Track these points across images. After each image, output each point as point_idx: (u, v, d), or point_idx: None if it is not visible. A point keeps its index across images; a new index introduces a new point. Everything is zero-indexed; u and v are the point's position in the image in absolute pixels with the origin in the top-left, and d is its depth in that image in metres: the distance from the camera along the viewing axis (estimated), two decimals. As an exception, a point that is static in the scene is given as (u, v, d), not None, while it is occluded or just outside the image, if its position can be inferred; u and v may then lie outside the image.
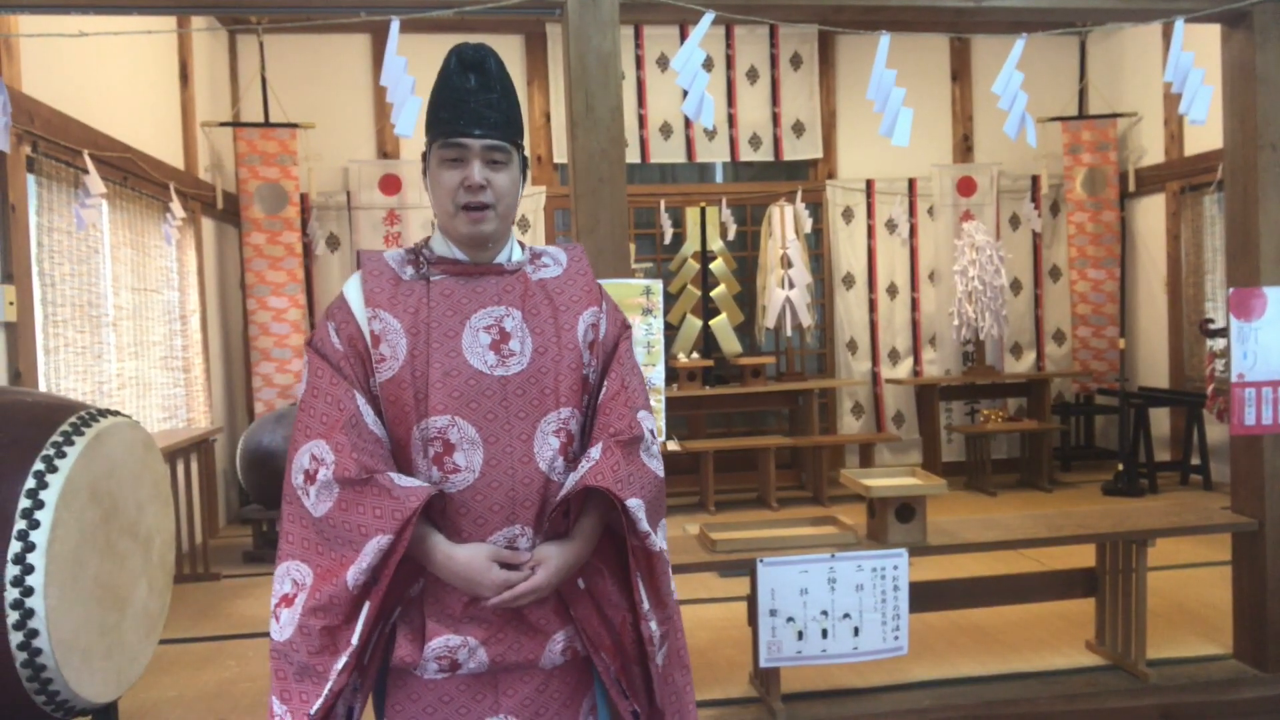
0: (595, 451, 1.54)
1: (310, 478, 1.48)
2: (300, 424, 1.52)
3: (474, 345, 1.54)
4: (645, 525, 1.53)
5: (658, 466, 1.61)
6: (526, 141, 7.23)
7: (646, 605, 1.56)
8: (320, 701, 1.43)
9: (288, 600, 1.47)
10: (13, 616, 2.14)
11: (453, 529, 1.50)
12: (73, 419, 2.39)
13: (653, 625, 1.56)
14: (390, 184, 6.65)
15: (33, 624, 2.16)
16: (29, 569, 2.16)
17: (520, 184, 1.62)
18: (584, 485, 1.49)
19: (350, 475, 1.45)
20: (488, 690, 1.51)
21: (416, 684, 1.51)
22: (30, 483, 2.22)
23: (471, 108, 1.52)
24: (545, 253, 1.69)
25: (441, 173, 1.55)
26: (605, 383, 1.62)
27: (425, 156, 1.59)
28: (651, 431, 1.63)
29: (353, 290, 1.60)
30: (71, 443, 2.32)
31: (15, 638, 2.15)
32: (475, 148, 1.53)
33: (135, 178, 4.76)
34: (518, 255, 1.64)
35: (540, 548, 1.52)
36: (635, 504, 1.51)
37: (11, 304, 3.55)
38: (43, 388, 3.76)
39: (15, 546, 2.16)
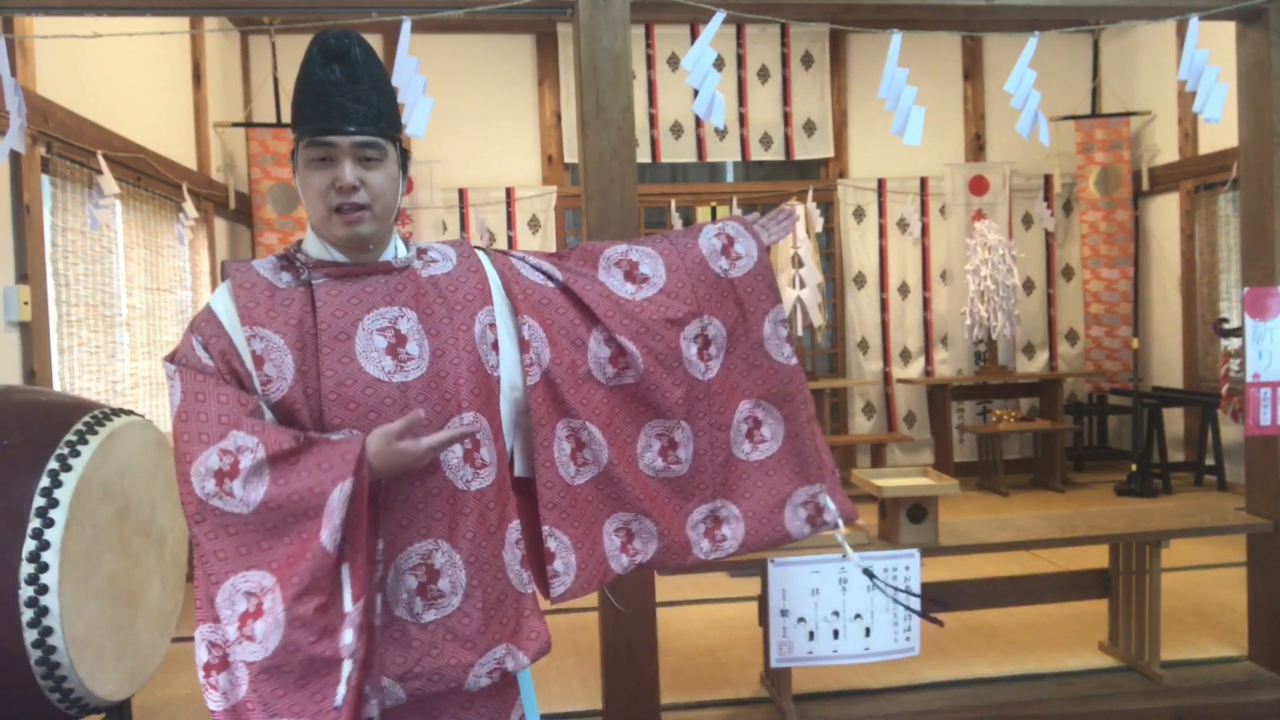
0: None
1: (229, 474, 1.33)
2: (189, 434, 1.35)
3: (369, 350, 1.42)
4: None
5: None
6: (532, 141, 7.25)
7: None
8: (343, 688, 1.29)
9: (253, 614, 1.31)
10: (27, 614, 2.16)
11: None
12: (86, 418, 2.40)
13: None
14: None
15: (47, 621, 2.17)
16: (43, 567, 2.17)
17: (400, 181, 1.49)
18: None
19: (285, 446, 1.34)
20: (414, 718, 1.44)
21: None
22: (45, 481, 2.23)
23: (337, 102, 1.40)
24: (432, 249, 1.60)
25: (310, 174, 1.43)
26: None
27: (293, 155, 1.46)
28: None
29: (222, 304, 1.45)
30: (85, 441, 2.33)
31: (30, 635, 2.16)
32: (344, 145, 1.41)
33: (148, 178, 4.78)
34: (404, 252, 1.54)
35: None
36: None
37: (26, 304, 3.57)
38: (57, 387, 3.78)
39: (30, 544, 2.17)
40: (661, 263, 1.73)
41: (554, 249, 6.69)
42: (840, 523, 1.78)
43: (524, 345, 1.58)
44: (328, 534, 1.31)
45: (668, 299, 1.70)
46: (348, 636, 1.31)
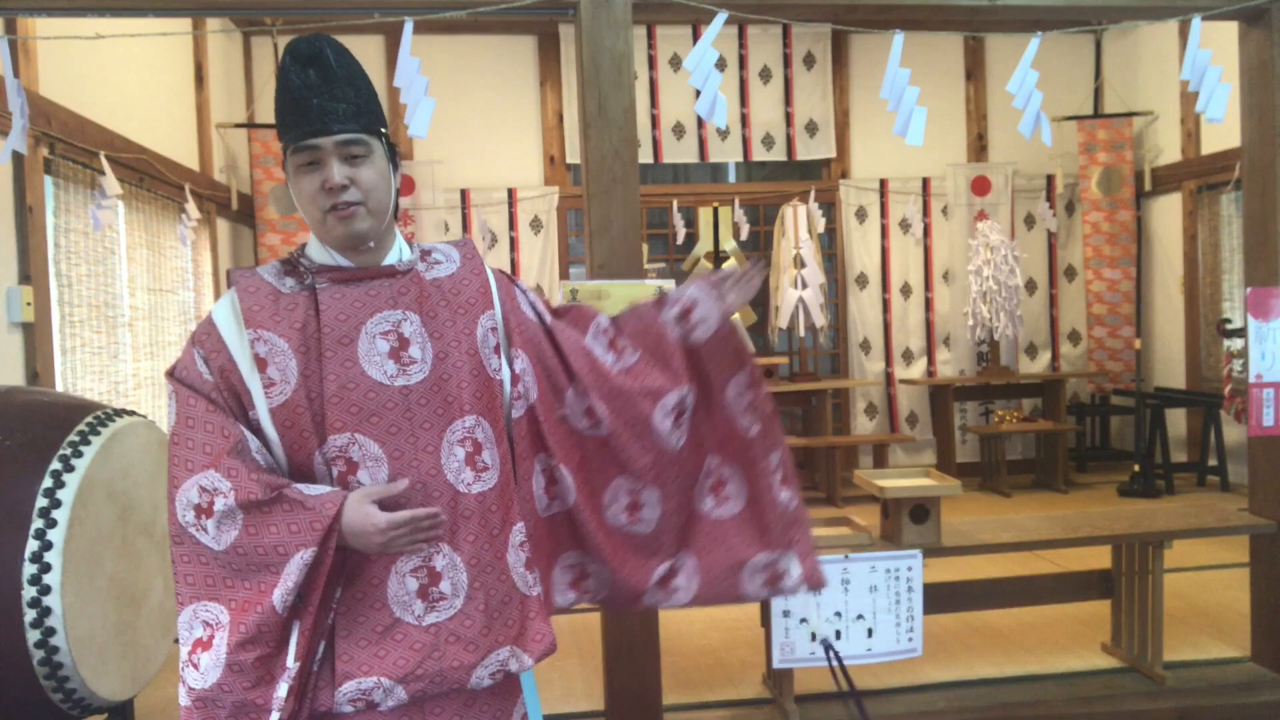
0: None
1: (205, 511, 1.37)
2: (178, 458, 1.40)
3: (371, 354, 1.43)
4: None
5: None
6: (534, 141, 7.25)
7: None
8: None
9: (204, 644, 1.37)
10: (30, 615, 2.16)
11: (360, 552, 1.41)
12: (89, 419, 2.40)
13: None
14: (403, 184, 6.65)
15: (50, 622, 2.17)
16: (46, 567, 2.17)
17: (391, 175, 1.49)
18: None
19: (255, 497, 1.36)
20: (414, 717, 1.45)
21: None
22: (47, 482, 2.24)
23: (316, 104, 1.40)
24: (435, 249, 1.59)
25: (300, 180, 1.43)
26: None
27: (285, 165, 1.47)
28: None
29: (224, 313, 1.46)
30: (88, 442, 2.33)
31: (33, 636, 2.17)
32: (328, 146, 1.40)
33: (151, 179, 4.79)
34: (408, 254, 1.53)
35: None
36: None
37: (29, 305, 3.58)
38: (59, 388, 3.79)
39: (33, 545, 2.18)
40: (630, 342, 1.71)
41: (556, 250, 6.76)
42: (803, 589, 1.74)
43: (514, 378, 1.58)
44: (279, 594, 1.35)
45: (646, 368, 1.68)
46: (281, 690, 1.35)
